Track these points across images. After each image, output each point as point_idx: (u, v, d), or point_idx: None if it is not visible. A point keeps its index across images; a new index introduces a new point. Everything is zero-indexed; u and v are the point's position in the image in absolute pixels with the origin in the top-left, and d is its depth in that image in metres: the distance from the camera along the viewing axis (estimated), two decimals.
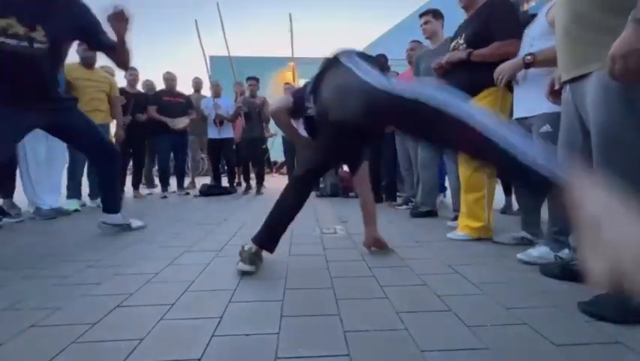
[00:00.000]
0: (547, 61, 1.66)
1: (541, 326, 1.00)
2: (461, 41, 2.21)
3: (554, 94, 1.50)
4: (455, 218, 2.61)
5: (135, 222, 2.41)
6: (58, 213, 2.99)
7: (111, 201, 2.27)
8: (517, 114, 1.91)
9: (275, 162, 10.42)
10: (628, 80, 0.98)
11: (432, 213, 2.79)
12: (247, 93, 4.88)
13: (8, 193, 2.96)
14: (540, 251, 1.64)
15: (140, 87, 4.78)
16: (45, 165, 3.00)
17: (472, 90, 2.15)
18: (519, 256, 1.68)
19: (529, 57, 1.71)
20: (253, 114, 4.72)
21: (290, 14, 4.95)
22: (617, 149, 1.09)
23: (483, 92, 2.11)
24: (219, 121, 4.78)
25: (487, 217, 2.08)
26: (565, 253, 1.52)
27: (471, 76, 2.13)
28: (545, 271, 1.46)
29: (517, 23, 2.01)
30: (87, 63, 3.43)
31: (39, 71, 1.59)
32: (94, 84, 3.37)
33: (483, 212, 2.09)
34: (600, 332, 0.98)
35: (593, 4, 1.13)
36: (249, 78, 4.89)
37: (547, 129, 1.70)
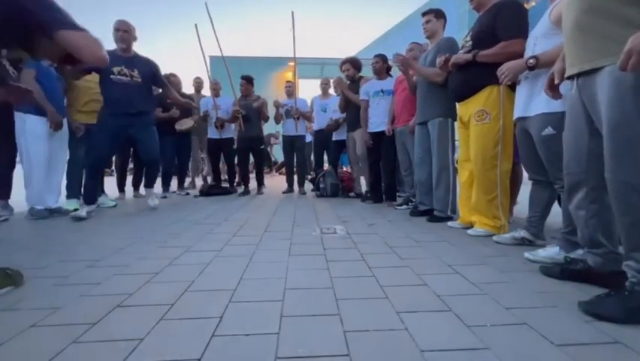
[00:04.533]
0: (550, 63, 1.65)
1: (541, 326, 1.01)
2: (467, 38, 2.23)
3: (553, 88, 1.46)
4: (437, 218, 2.66)
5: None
6: (55, 212, 3.00)
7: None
8: (516, 114, 1.91)
9: (275, 162, 10.43)
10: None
11: (430, 212, 2.79)
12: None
13: (5, 194, 2.96)
14: (549, 252, 1.64)
15: None
16: (46, 165, 3.01)
17: (475, 87, 2.18)
18: (526, 255, 1.68)
19: (531, 60, 1.70)
20: (251, 115, 4.67)
21: (292, 12, 4.93)
22: (632, 148, 1.05)
23: (486, 90, 2.14)
24: (220, 125, 4.75)
25: (502, 216, 2.15)
26: (578, 253, 1.51)
27: (474, 74, 2.17)
28: (545, 271, 1.46)
29: (523, 23, 2.01)
30: None
31: (137, 96, 3.04)
32: (93, 85, 3.37)
33: (498, 211, 2.15)
34: (600, 332, 0.98)
35: None
36: (241, 78, 4.77)
37: (550, 132, 1.68)
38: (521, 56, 1.87)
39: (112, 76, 2.92)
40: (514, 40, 1.95)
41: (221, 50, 4.91)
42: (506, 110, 2.08)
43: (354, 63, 4.08)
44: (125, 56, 3.04)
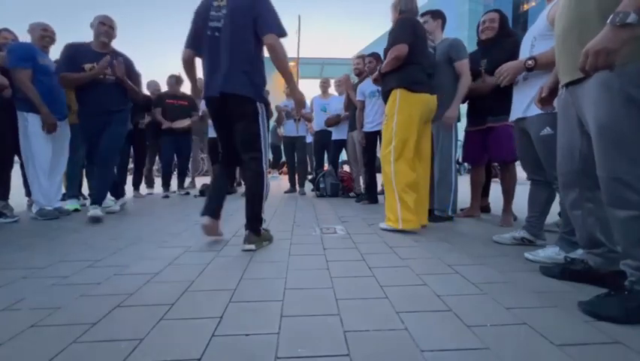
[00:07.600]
0: (548, 64, 1.65)
1: (541, 326, 1.01)
2: None
3: (543, 101, 1.50)
4: (437, 218, 2.73)
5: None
6: (60, 213, 2.99)
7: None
8: (513, 116, 1.91)
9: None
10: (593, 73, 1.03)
11: (430, 212, 2.79)
12: None
13: (4, 194, 2.95)
14: (548, 252, 1.64)
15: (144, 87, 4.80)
16: (49, 164, 3.00)
17: (386, 95, 2.41)
18: (526, 255, 1.69)
19: (530, 62, 1.71)
20: None
21: (299, 16, 4.99)
22: (620, 145, 1.06)
23: (390, 95, 2.34)
24: None
25: (397, 210, 2.25)
26: (578, 253, 1.51)
27: (384, 84, 2.44)
28: (545, 271, 1.46)
29: (399, 30, 2.25)
30: None
31: (111, 92, 2.96)
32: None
33: (394, 205, 2.27)
34: (600, 332, 0.98)
35: (597, 8, 1.11)
36: None
37: (548, 132, 1.69)
38: (401, 59, 2.19)
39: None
40: (393, 47, 2.22)
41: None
42: (401, 109, 2.24)
43: (377, 59, 4.05)
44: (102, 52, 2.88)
